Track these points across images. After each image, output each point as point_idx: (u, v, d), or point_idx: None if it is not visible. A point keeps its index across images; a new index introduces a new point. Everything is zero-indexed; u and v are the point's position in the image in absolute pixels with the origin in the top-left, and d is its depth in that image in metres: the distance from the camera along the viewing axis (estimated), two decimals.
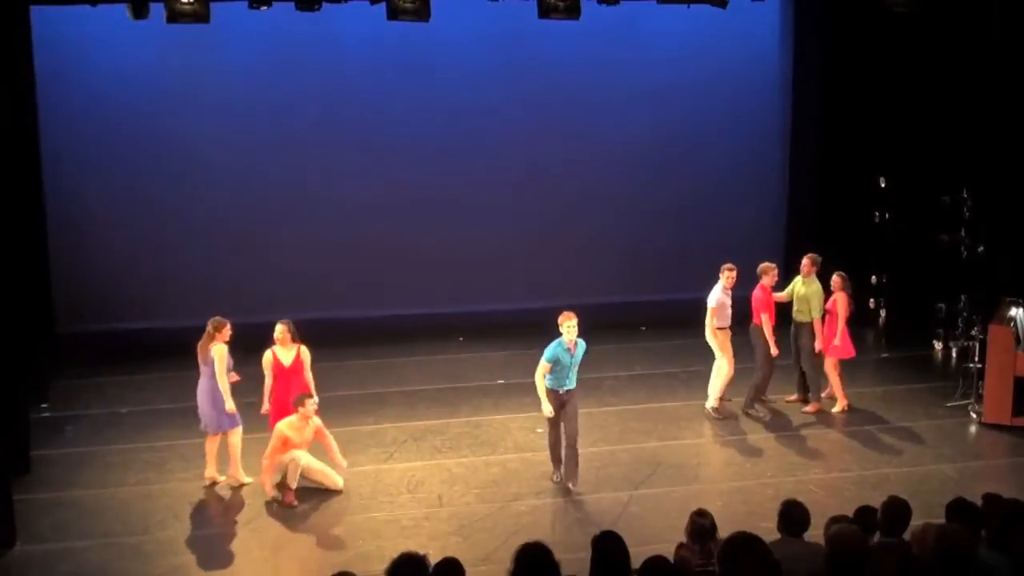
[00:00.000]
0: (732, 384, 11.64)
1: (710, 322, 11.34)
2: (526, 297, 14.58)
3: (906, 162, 14.23)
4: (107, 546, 8.86)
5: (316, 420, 9.81)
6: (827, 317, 11.55)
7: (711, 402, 11.54)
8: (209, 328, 9.76)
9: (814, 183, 15.10)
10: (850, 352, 11.67)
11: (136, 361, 13.00)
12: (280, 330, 10.07)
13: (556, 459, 9.92)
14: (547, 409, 9.65)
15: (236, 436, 9.89)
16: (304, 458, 9.70)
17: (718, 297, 11.30)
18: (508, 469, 10.30)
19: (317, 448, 9.95)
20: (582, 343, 9.67)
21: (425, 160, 14.43)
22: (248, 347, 10.34)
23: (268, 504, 9.67)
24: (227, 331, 9.79)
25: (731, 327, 11.43)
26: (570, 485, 9.74)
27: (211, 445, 9.94)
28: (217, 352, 9.69)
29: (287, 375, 10.00)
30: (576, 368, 9.70)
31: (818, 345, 11.49)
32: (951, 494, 6.64)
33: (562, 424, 9.75)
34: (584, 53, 14.35)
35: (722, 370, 11.44)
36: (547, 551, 4.92)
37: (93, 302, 13.55)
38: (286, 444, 9.60)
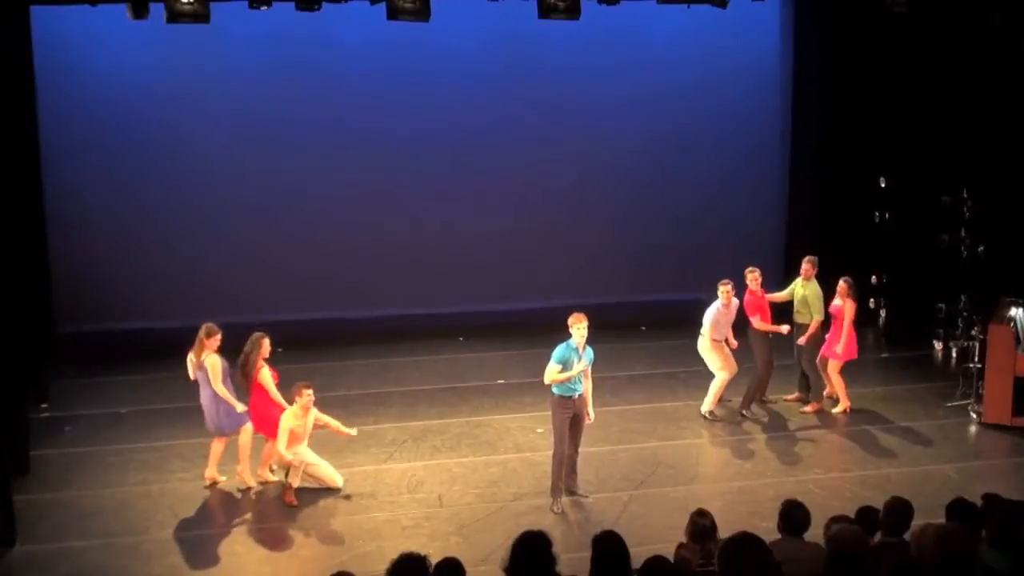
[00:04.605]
0: (730, 385, 11.65)
1: (707, 333, 11.35)
2: (526, 297, 14.59)
3: (906, 162, 14.22)
4: (107, 546, 8.86)
5: (314, 411, 9.82)
6: (832, 322, 11.55)
7: (707, 407, 11.54)
8: (201, 335, 9.68)
9: (814, 183, 15.08)
10: (852, 355, 11.64)
11: (136, 361, 12.98)
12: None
13: (558, 486, 9.48)
14: (574, 368, 9.17)
15: (246, 435, 9.84)
16: (308, 456, 9.71)
17: (713, 314, 11.32)
18: (508, 469, 10.30)
19: (319, 444, 9.95)
20: (590, 350, 9.38)
21: (425, 160, 14.42)
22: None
23: (268, 504, 9.67)
24: (217, 339, 9.70)
25: (734, 332, 11.47)
26: (575, 489, 9.65)
27: (217, 446, 9.91)
28: (210, 363, 9.62)
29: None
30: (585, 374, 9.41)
31: (802, 339, 11.50)
32: (951, 494, 6.64)
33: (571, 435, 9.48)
34: (584, 53, 14.33)
35: (719, 378, 11.46)
36: (546, 540, 4.95)
37: (93, 302, 13.52)
38: (292, 435, 9.59)
